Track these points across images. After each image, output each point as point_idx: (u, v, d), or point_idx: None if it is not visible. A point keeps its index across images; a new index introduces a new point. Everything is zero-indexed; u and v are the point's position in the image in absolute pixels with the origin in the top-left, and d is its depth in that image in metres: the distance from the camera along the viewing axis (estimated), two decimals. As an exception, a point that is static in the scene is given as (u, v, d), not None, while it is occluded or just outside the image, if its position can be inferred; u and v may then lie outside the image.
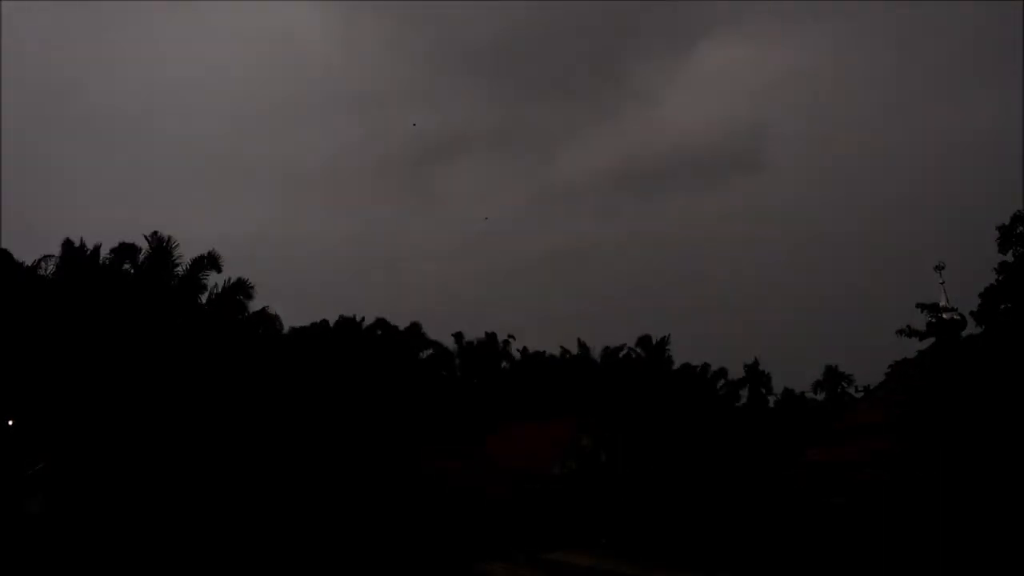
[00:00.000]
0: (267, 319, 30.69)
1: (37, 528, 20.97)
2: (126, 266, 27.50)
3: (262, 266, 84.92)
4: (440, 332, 50.44)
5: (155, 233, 27.43)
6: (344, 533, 24.71)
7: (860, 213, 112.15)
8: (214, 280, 28.05)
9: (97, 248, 27.55)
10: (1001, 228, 17.32)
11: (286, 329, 35.98)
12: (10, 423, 23.73)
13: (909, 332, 17.02)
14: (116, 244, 27.49)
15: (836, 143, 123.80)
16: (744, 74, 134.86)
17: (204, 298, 28.15)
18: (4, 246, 26.66)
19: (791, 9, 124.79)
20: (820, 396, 52.08)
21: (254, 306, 29.04)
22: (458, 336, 50.84)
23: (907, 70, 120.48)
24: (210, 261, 27.72)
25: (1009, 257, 17.16)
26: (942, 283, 25.02)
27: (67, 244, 27.42)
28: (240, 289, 28.15)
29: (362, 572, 22.61)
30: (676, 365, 52.39)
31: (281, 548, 22.60)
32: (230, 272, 28.26)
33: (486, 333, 51.46)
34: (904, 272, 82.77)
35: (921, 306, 16.98)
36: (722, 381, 53.03)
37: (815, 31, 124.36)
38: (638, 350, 52.39)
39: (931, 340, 17.43)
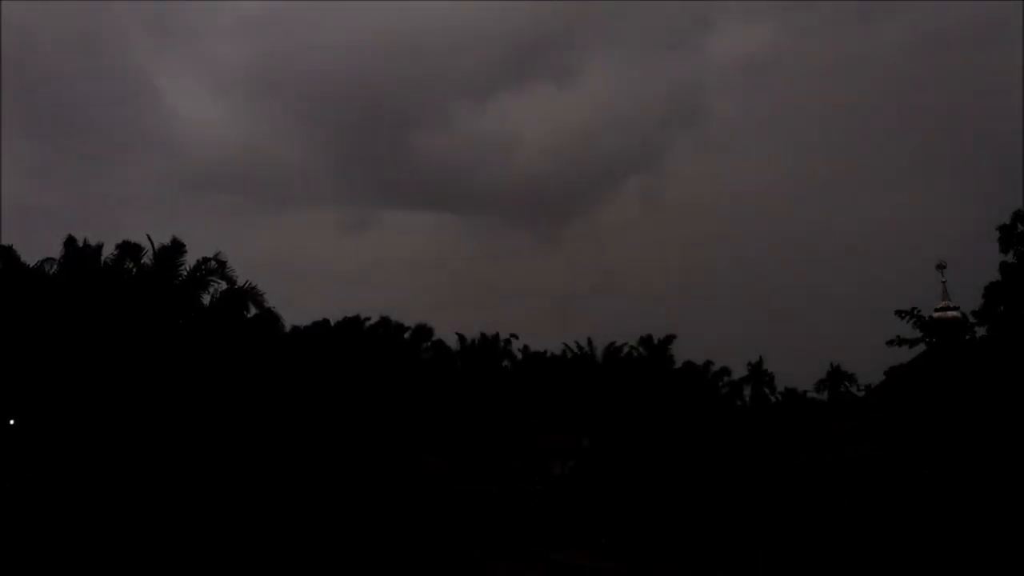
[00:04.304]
0: (270, 319, 30.62)
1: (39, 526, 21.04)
2: (128, 264, 27.50)
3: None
4: (443, 331, 50.62)
5: (174, 239, 27.33)
6: (346, 532, 24.77)
7: (863, 211, 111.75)
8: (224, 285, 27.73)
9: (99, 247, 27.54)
10: (1002, 228, 17.22)
11: (288, 328, 35.96)
12: (11, 422, 23.79)
13: (899, 341, 16.76)
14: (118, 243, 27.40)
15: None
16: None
17: (207, 299, 28.03)
18: None
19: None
20: (823, 395, 52.07)
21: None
22: (460, 336, 51.06)
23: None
24: (218, 265, 27.49)
25: (1010, 257, 17.05)
26: (943, 282, 25.02)
27: (69, 242, 27.41)
28: (249, 296, 27.85)
29: (364, 571, 22.66)
30: (679, 364, 52.40)
31: (283, 547, 22.66)
32: (239, 274, 27.95)
33: (485, 333, 51.63)
34: (907, 270, 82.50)
35: (900, 312, 16.73)
36: (725, 380, 53.01)
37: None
38: (640, 349, 52.41)
39: (923, 347, 17.24)
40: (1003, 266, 17.48)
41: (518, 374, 50.72)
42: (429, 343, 48.30)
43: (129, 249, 27.14)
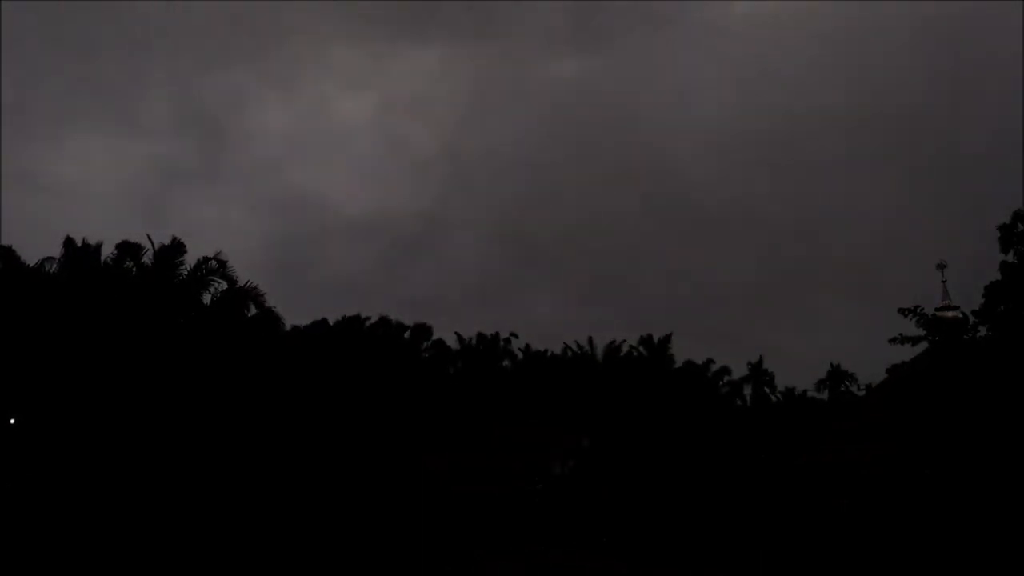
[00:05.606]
0: (270, 319, 30.59)
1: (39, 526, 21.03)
2: (128, 264, 27.49)
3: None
4: (443, 330, 50.62)
5: (174, 238, 27.29)
6: (346, 532, 24.79)
7: (864, 208, 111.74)
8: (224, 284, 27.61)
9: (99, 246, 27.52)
10: (1002, 228, 17.29)
11: (288, 327, 35.88)
12: (12, 422, 23.79)
13: (902, 339, 16.87)
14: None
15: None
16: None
17: (208, 299, 27.99)
18: None
19: None
20: (823, 395, 52.03)
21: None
22: (460, 335, 51.06)
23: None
24: (218, 264, 27.39)
25: (1010, 257, 17.12)
26: (944, 282, 24.99)
27: (69, 242, 27.37)
28: (249, 296, 27.74)
29: (364, 570, 22.67)
30: (679, 363, 52.35)
31: (284, 547, 22.68)
32: (241, 273, 27.89)
33: (484, 332, 51.64)
34: (908, 269, 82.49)
35: (903, 311, 16.82)
36: (725, 379, 52.95)
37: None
38: (640, 348, 52.39)
39: (924, 346, 17.34)
40: (1003, 266, 17.55)
41: (518, 374, 50.68)
42: (429, 343, 48.31)
43: (129, 249, 27.13)
